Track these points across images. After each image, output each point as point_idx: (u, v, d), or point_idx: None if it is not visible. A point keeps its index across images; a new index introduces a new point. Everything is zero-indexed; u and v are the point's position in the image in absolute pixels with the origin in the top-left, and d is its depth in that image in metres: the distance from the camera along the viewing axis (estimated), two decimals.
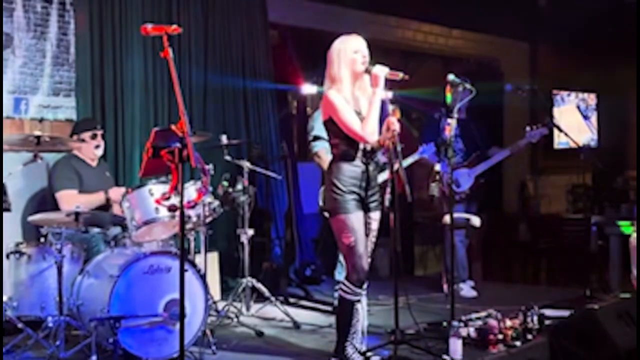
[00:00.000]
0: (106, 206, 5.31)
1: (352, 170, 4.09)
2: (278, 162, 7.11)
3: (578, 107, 10.91)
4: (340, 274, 5.52)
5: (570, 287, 6.75)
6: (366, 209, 4.15)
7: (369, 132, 4.06)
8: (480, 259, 7.52)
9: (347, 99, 4.11)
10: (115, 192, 5.22)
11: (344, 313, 4.17)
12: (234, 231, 5.91)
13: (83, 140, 5.31)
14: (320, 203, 5.60)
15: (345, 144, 4.11)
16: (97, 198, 5.22)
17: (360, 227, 4.09)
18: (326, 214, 5.29)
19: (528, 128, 6.38)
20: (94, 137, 5.39)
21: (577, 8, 8.54)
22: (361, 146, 4.11)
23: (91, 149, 5.38)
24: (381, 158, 4.35)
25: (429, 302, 6.20)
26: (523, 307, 4.86)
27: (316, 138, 5.58)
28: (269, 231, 7.18)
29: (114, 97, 6.12)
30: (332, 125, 4.12)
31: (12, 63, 5.59)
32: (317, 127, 5.44)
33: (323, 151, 5.55)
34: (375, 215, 4.22)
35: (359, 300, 4.16)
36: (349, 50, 4.11)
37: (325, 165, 5.52)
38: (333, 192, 4.08)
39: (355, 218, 4.07)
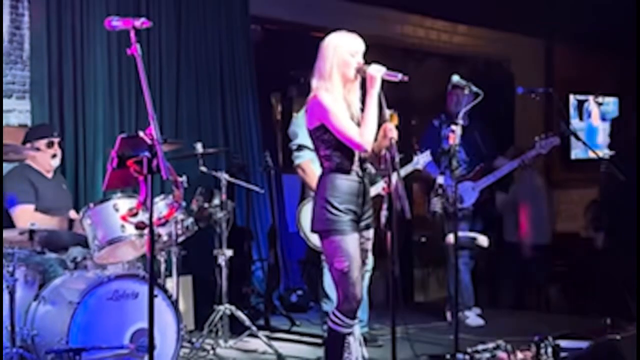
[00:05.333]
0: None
1: (348, 185, 4.06)
2: (260, 174, 7.13)
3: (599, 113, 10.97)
4: (326, 305, 5.53)
5: (588, 315, 6.78)
6: (361, 228, 4.16)
7: (368, 139, 4.03)
8: (488, 283, 7.54)
9: (339, 103, 4.11)
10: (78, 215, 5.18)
11: (334, 347, 4.16)
12: (210, 252, 5.91)
13: (38, 149, 5.30)
14: (298, 224, 5.59)
15: (340, 155, 4.07)
16: (58, 222, 5.19)
17: (357, 251, 4.06)
18: (312, 239, 5.29)
19: (537, 138, 6.43)
20: (50, 145, 5.37)
21: (599, 1, 8.60)
22: (357, 156, 4.11)
23: (47, 159, 5.36)
24: (370, 167, 4.33)
25: (431, 332, 6.22)
26: (536, 338, 4.89)
27: (301, 147, 5.56)
28: (250, 252, 7.18)
29: (74, 99, 6.13)
30: (324, 134, 4.07)
31: None
32: (302, 134, 5.39)
33: (308, 163, 5.51)
34: (370, 234, 4.22)
35: (350, 333, 4.15)
36: (345, 51, 4.10)
37: (310, 180, 5.51)
38: (327, 210, 4.03)
39: (351, 240, 4.03)
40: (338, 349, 4.14)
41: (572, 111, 10.42)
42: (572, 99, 10.48)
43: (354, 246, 4.05)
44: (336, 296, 4.13)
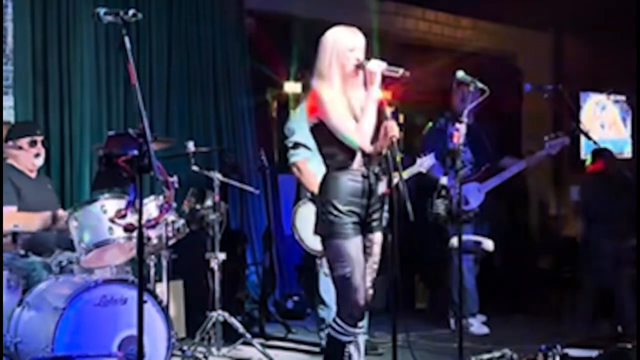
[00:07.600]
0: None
1: (351, 185, 4.06)
2: (255, 174, 7.13)
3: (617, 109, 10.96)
4: (322, 311, 5.53)
5: (598, 323, 6.79)
6: (366, 230, 4.15)
7: (365, 137, 4.05)
8: (493, 289, 7.54)
9: (339, 99, 4.12)
10: (65, 212, 5.19)
11: (334, 356, 4.17)
12: (203, 256, 5.91)
13: (20, 148, 5.31)
14: (294, 226, 5.58)
15: (341, 152, 4.07)
16: (42, 218, 5.19)
17: (359, 255, 4.06)
18: (307, 242, 5.30)
19: (547, 137, 6.44)
20: (32, 144, 5.37)
21: None
22: (359, 154, 4.11)
23: (30, 158, 5.37)
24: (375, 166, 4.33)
25: (433, 340, 6.23)
26: (543, 347, 4.89)
27: (297, 145, 5.56)
28: (244, 256, 7.18)
29: (60, 95, 6.13)
30: (323, 131, 4.10)
31: None
32: (299, 131, 5.38)
33: (304, 162, 5.50)
34: (377, 238, 4.20)
35: (351, 342, 4.16)
36: (343, 46, 4.11)
37: (305, 180, 5.51)
38: (329, 212, 4.03)
39: (353, 245, 4.03)
40: (337, 358, 4.14)
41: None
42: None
43: (356, 251, 4.04)
44: (336, 302, 4.13)
